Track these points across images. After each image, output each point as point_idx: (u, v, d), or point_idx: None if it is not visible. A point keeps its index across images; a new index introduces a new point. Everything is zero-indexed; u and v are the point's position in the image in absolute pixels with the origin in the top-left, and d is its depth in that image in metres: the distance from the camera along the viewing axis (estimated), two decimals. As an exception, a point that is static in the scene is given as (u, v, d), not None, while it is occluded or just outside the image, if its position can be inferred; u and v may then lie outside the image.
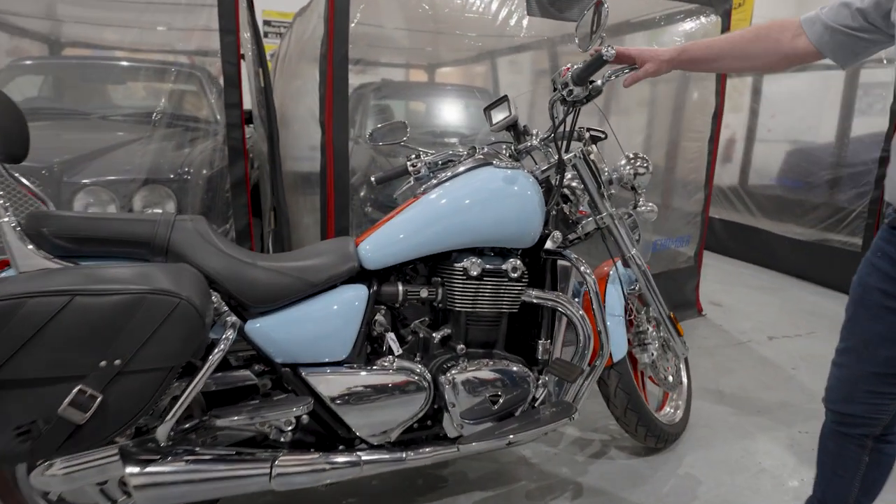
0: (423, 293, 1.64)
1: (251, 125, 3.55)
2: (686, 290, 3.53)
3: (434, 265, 1.72)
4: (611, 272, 2.03)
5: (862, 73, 4.92)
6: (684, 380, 2.26)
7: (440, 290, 1.66)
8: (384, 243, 1.58)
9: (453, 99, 3.78)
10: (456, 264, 1.64)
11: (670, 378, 2.13)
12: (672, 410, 2.17)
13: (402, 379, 1.54)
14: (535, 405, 1.72)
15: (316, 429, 1.54)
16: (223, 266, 1.40)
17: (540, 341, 1.77)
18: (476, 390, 1.60)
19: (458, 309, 1.65)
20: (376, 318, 1.60)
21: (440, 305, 1.68)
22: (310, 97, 2.82)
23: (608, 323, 1.89)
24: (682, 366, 2.26)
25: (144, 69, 2.90)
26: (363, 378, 1.51)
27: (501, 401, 1.63)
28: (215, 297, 1.37)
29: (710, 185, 3.41)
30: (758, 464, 2.03)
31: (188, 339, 1.17)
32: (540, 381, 1.73)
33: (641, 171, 1.94)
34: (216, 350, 1.28)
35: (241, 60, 2.49)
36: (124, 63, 3.12)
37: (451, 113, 3.77)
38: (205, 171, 2.55)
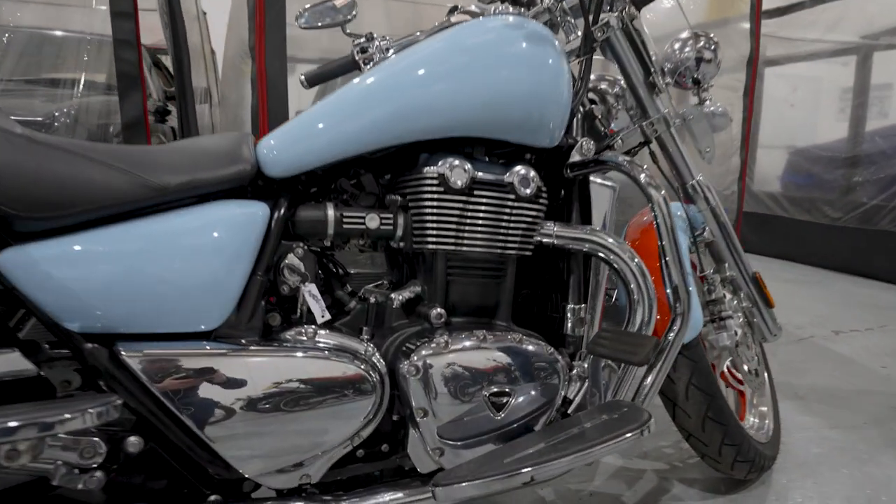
0: (372, 222, 0.95)
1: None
2: (722, 280, 2.86)
3: (391, 178, 1.03)
4: (665, 210, 1.35)
5: (875, 55, 4.42)
6: (765, 375, 1.56)
7: (401, 217, 0.97)
8: (300, 135, 0.90)
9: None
10: (427, 168, 0.96)
11: (756, 371, 1.43)
12: (757, 420, 1.46)
13: (330, 368, 0.84)
14: (569, 412, 1.01)
15: (165, 463, 0.81)
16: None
17: (569, 306, 1.08)
18: (465, 386, 0.90)
19: (431, 247, 0.96)
20: (287, 260, 0.90)
21: (402, 244, 0.99)
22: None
23: None
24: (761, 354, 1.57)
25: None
26: (252, 364, 0.80)
27: (510, 404, 0.92)
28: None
29: (747, 146, 2.78)
30: (901, 500, 1.33)
31: None
32: (574, 372, 1.03)
33: (707, 55, 1.28)
34: None
35: None
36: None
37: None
38: (92, 117, 1.90)
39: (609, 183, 1.17)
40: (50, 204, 0.72)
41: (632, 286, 1.05)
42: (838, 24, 4.16)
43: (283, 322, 0.92)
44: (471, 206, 0.97)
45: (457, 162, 0.95)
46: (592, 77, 1.34)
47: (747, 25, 3.23)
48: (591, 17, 1.10)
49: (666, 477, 1.41)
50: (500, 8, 1.10)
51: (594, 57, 1.13)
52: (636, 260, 1.05)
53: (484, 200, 0.97)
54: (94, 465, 0.73)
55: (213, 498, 0.82)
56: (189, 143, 0.92)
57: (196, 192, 0.83)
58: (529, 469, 0.79)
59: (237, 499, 0.84)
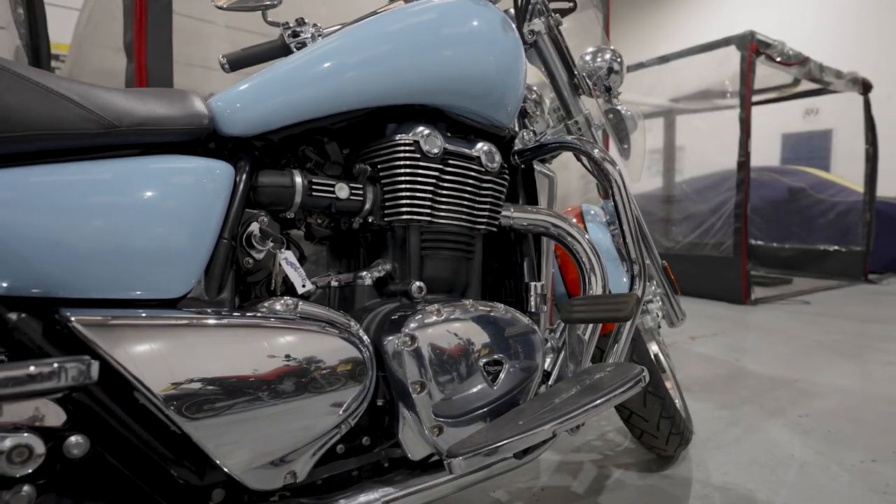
0: (342, 191, 0.88)
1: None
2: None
3: (356, 149, 0.97)
4: (583, 207, 1.44)
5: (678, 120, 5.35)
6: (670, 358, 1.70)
7: (370, 189, 0.91)
8: (260, 94, 0.82)
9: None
10: (400, 136, 0.91)
11: (667, 354, 1.55)
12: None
13: (320, 342, 0.73)
14: (550, 383, 1.00)
15: (113, 472, 0.63)
16: None
17: (533, 283, 1.08)
18: (461, 355, 0.84)
19: (405, 218, 0.91)
20: (250, 228, 0.79)
21: (370, 219, 0.92)
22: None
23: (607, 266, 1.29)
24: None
25: None
26: (236, 337, 0.67)
27: (503, 375, 0.88)
28: None
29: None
30: (791, 456, 1.51)
31: None
32: (549, 345, 1.03)
33: (616, 66, 1.43)
34: None
35: None
36: None
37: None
38: None
39: (549, 172, 1.23)
40: None
41: (584, 259, 1.09)
42: (655, 88, 4.94)
43: (245, 300, 0.79)
44: (445, 177, 0.94)
45: (428, 131, 0.93)
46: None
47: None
48: (520, 21, 1.17)
49: (603, 465, 1.44)
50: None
51: None
52: (586, 236, 1.10)
53: (457, 171, 0.95)
54: (25, 475, 0.54)
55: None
56: (137, 90, 0.78)
57: (150, 138, 0.70)
58: (550, 424, 0.75)
59: (205, 509, 0.68)
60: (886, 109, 6.26)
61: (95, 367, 0.53)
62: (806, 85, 4.76)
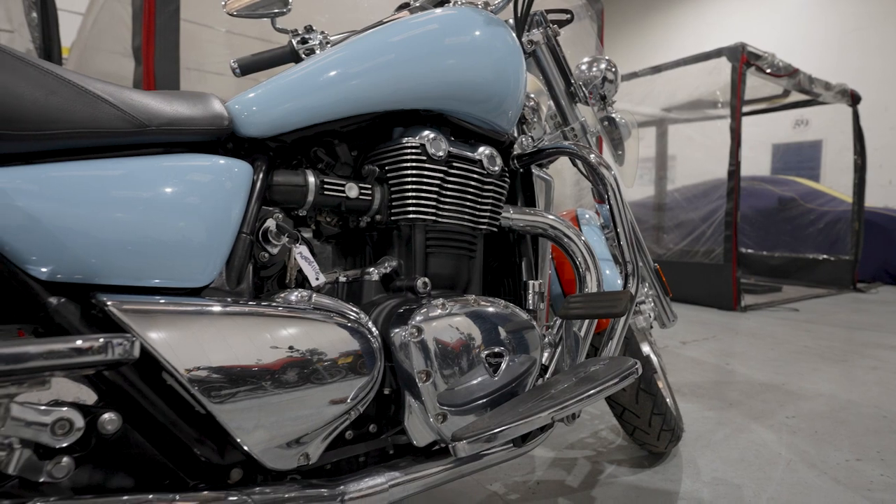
0: (352, 191, 0.93)
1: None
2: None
3: (364, 151, 1.02)
4: (578, 210, 1.50)
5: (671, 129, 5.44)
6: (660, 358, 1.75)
7: (378, 189, 0.96)
8: (276, 98, 0.86)
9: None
10: (407, 139, 0.96)
11: (659, 354, 1.60)
12: (663, 401, 1.62)
13: (335, 331, 0.77)
14: (546, 377, 1.04)
15: (140, 448, 0.67)
16: None
17: (532, 282, 1.13)
18: (465, 346, 0.89)
19: (411, 217, 0.95)
20: (266, 224, 0.83)
21: (377, 217, 0.97)
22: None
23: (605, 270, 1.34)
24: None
25: None
26: (258, 325, 0.71)
27: (504, 366, 0.93)
28: None
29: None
30: (778, 454, 1.56)
31: None
32: (546, 340, 1.07)
33: (610, 76, 1.49)
34: None
35: None
36: None
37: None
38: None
39: (546, 176, 1.28)
40: (21, 121, 0.59)
41: (580, 260, 1.14)
42: (647, 97, 5.03)
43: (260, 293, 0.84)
44: (449, 178, 0.99)
45: (433, 135, 0.98)
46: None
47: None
48: (519, 31, 1.23)
49: (596, 461, 1.49)
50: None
51: None
52: (582, 237, 1.15)
53: (460, 173, 1.00)
54: (62, 448, 0.58)
55: (195, 484, 0.69)
56: (162, 92, 0.82)
57: (175, 137, 0.74)
58: (549, 411, 0.79)
59: (223, 488, 0.72)
60: (881, 121, 6.40)
61: (137, 344, 0.57)
62: (796, 96, 4.86)
